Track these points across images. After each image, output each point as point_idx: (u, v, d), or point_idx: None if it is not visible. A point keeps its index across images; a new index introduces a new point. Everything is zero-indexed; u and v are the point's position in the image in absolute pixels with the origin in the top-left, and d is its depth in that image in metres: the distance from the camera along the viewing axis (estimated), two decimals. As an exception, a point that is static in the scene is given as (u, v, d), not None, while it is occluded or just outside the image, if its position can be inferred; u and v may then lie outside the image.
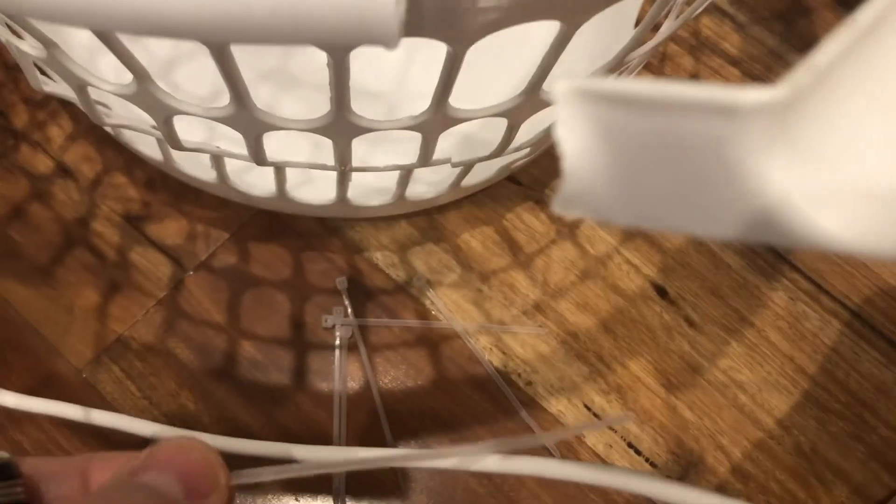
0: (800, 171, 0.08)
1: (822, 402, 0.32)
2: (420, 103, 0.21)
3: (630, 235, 0.35)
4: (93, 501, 0.15)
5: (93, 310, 0.32)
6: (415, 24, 0.16)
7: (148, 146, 0.30)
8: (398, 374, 0.31)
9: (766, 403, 0.32)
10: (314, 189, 0.31)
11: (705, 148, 0.08)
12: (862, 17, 0.08)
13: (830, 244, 0.08)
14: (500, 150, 0.26)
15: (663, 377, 0.32)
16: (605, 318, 0.33)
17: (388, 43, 0.13)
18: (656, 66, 0.38)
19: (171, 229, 0.33)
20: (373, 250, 0.33)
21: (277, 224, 0.33)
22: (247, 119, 0.21)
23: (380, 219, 0.34)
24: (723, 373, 0.32)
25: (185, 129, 0.24)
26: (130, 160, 0.34)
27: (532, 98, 0.22)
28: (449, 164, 0.27)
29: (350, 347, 0.32)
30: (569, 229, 0.35)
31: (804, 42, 0.39)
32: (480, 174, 0.31)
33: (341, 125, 0.21)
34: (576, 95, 0.09)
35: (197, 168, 0.30)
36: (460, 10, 0.16)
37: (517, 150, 0.27)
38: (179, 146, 0.24)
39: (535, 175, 0.35)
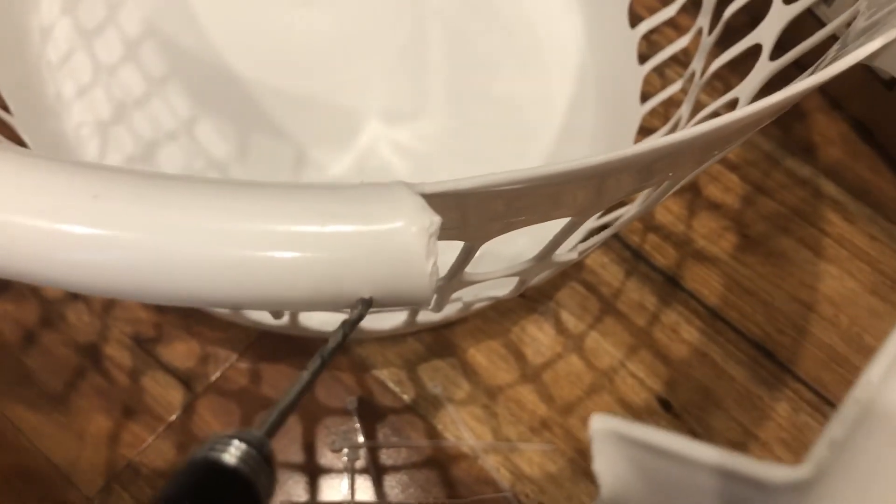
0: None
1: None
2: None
3: (634, 348, 0.35)
4: None
5: (103, 435, 0.32)
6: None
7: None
8: (408, 497, 0.31)
9: (773, 521, 0.32)
10: (324, 316, 0.31)
11: (737, 505, 0.09)
12: (874, 376, 0.09)
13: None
14: (513, 295, 0.26)
15: (671, 495, 0.32)
16: (612, 434, 0.33)
17: (423, 304, 0.13)
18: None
19: (180, 351, 0.33)
20: (380, 367, 0.34)
21: (285, 343, 0.34)
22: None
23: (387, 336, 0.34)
24: (729, 490, 0.33)
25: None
26: (141, 281, 0.34)
27: (543, 262, 0.22)
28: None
29: (361, 469, 0.32)
30: (574, 342, 0.35)
31: (800, 145, 0.40)
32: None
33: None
34: (610, 435, 0.09)
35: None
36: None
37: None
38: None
39: (539, 287, 0.36)
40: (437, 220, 0.13)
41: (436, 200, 0.14)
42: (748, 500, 0.08)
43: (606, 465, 0.09)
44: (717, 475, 0.09)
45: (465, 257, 0.19)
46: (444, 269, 0.21)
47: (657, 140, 0.15)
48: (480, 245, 0.19)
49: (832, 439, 0.08)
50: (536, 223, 0.18)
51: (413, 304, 0.14)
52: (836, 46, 0.23)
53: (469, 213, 0.16)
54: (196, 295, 0.13)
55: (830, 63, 0.17)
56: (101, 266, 0.13)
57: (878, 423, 0.08)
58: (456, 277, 0.21)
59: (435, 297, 0.24)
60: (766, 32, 0.27)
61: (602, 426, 0.09)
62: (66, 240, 0.13)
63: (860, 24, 0.21)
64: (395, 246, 0.13)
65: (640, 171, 0.17)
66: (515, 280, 0.25)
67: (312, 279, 0.13)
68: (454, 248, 0.20)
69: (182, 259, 0.13)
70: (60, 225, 0.13)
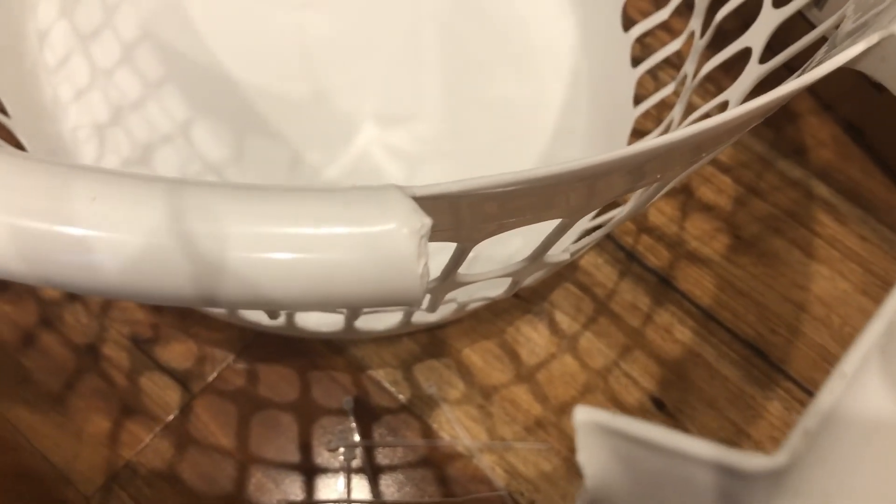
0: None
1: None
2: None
3: (628, 348, 0.35)
4: None
5: (102, 435, 0.32)
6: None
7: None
8: (404, 495, 0.32)
9: (765, 519, 0.32)
10: (321, 317, 0.31)
11: (715, 495, 0.09)
12: (847, 368, 0.09)
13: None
14: (506, 295, 0.27)
15: (664, 494, 0.33)
16: (606, 434, 0.34)
17: (414, 304, 0.14)
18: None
19: (177, 351, 0.34)
20: (376, 368, 0.34)
21: (282, 344, 0.34)
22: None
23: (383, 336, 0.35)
24: (722, 488, 0.33)
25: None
26: (138, 283, 0.34)
27: (535, 263, 0.23)
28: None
29: (357, 468, 0.32)
30: (568, 342, 0.35)
31: (792, 147, 0.41)
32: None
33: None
34: (594, 427, 0.10)
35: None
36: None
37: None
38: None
39: (533, 288, 0.36)
40: (428, 222, 0.13)
41: (428, 203, 0.14)
42: (726, 487, 0.09)
43: (590, 456, 0.10)
44: (697, 464, 0.09)
45: (458, 258, 0.20)
46: (437, 271, 0.22)
47: (647, 142, 0.15)
48: (473, 246, 0.19)
49: (806, 429, 0.09)
50: (529, 224, 0.18)
51: (405, 305, 0.14)
52: (823, 49, 0.23)
53: (462, 215, 0.17)
54: (188, 295, 0.13)
55: (815, 67, 0.18)
56: (96, 267, 0.13)
57: (850, 415, 0.09)
58: (449, 278, 0.22)
59: (429, 297, 0.24)
60: (756, 36, 0.27)
61: (586, 418, 0.09)
62: (64, 241, 0.13)
63: (847, 27, 0.22)
64: (386, 248, 0.13)
65: (631, 172, 0.17)
66: (508, 281, 0.26)
67: (305, 280, 0.13)
68: (448, 249, 0.20)
69: (175, 260, 0.13)
70: (58, 227, 0.13)
